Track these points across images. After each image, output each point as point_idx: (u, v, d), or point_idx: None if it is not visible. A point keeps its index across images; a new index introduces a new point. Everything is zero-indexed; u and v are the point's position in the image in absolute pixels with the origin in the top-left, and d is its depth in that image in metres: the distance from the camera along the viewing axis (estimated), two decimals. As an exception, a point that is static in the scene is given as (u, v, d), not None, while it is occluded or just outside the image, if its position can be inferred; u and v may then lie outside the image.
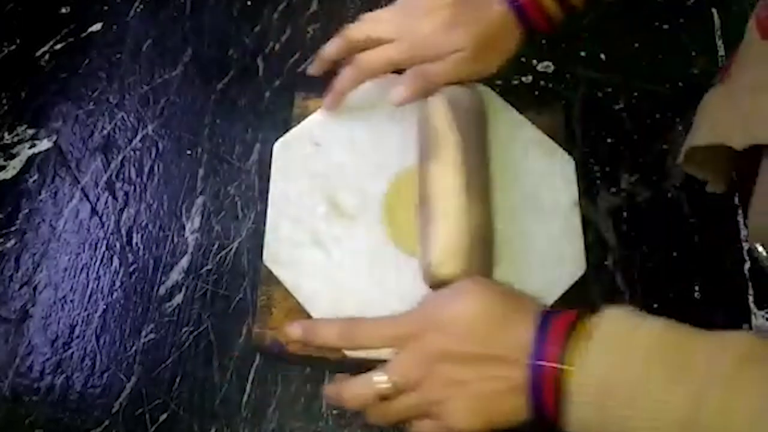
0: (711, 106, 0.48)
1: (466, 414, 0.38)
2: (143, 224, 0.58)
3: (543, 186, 0.53)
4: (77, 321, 0.55)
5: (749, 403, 0.32)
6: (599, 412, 0.35)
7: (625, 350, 0.35)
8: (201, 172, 0.60)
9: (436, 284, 0.46)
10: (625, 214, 0.57)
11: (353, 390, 0.41)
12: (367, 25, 0.51)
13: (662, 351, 0.35)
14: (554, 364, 0.36)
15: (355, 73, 0.52)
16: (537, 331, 0.38)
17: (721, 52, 0.64)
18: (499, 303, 0.40)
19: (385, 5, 0.52)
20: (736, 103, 0.44)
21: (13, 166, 0.61)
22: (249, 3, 0.68)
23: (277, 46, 0.66)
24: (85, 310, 0.55)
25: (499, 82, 0.62)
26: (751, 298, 0.55)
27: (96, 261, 0.57)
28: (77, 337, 0.55)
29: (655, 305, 0.54)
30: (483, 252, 0.47)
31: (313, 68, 0.54)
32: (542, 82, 0.63)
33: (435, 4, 0.49)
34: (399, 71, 0.51)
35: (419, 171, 0.50)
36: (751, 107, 0.42)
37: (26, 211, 0.59)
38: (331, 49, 0.53)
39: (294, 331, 0.45)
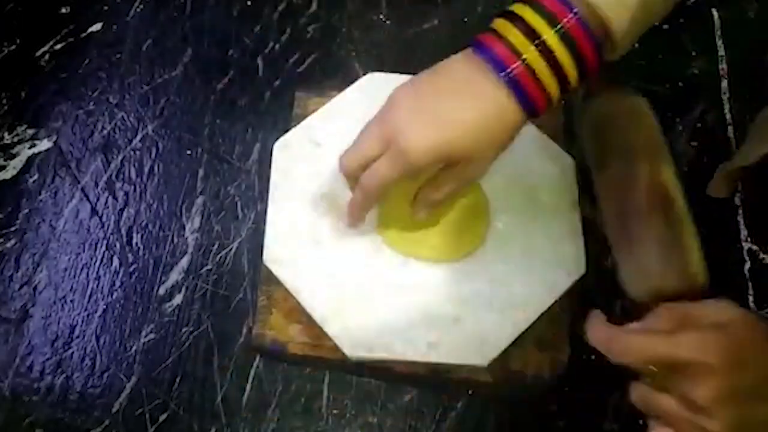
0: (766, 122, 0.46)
1: None
2: (143, 224, 0.58)
3: (543, 186, 0.53)
4: (77, 321, 0.55)
5: None
6: None
7: None
8: (201, 172, 0.60)
9: (684, 296, 0.43)
10: (625, 214, 0.57)
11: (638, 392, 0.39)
12: (355, 149, 0.45)
13: None
14: None
15: (362, 195, 0.46)
16: None
17: (721, 52, 0.64)
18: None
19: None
20: None
21: (13, 166, 0.61)
22: (249, 3, 0.68)
23: (277, 46, 0.66)
24: (85, 310, 0.55)
25: (499, 82, 0.62)
26: (751, 298, 0.55)
27: (96, 261, 0.57)
28: (77, 337, 0.55)
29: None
30: None
31: (350, 224, 0.50)
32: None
33: (416, 105, 0.42)
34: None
35: (643, 171, 0.46)
36: None
37: (26, 211, 0.59)
38: (356, 203, 0.48)
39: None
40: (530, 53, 0.38)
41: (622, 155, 0.47)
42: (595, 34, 0.38)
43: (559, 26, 0.38)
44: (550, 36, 0.38)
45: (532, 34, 0.38)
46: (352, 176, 0.45)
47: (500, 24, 0.40)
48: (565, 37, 0.38)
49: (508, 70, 0.39)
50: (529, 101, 0.40)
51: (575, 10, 0.38)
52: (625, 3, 0.38)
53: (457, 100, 0.41)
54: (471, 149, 0.41)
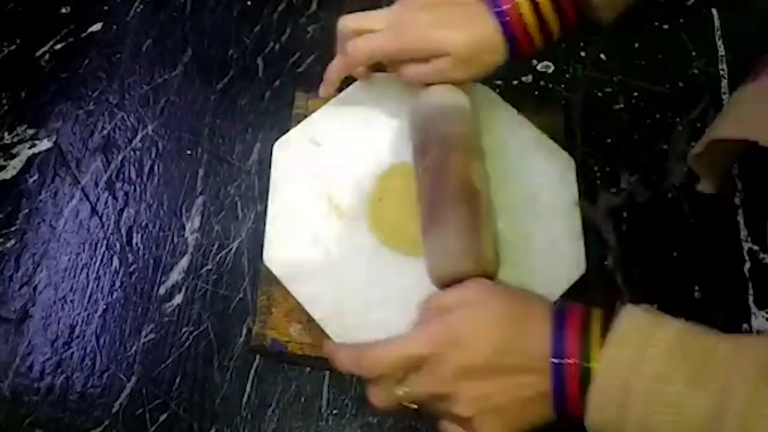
0: (742, 102, 0.47)
1: (495, 428, 0.38)
2: (143, 224, 0.58)
3: (543, 186, 0.53)
4: (77, 321, 0.55)
5: None
6: (620, 410, 0.35)
7: (645, 347, 0.35)
8: (201, 172, 0.60)
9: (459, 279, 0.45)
10: (625, 214, 0.57)
11: (378, 396, 0.41)
12: (361, 15, 0.52)
13: (683, 349, 0.35)
14: (576, 361, 0.36)
15: (343, 60, 0.52)
16: (553, 331, 0.38)
17: (721, 52, 0.64)
18: (510, 308, 0.40)
19: (384, 6, 0.52)
20: None
21: (13, 166, 0.61)
22: (249, 3, 0.68)
23: (277, 46, 0.66)
24: (85, 310, 0.55)
25: (499, 82, 0.62)
26: (751, 298, 0.55)
27: (96, 261, 0.57)
28: (77, 337, 0.55)
29: (655, 305, 0.54)
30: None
31: (322, 91, 0.55)
32: (542, 82, 0.63)
33: (432, 2, 0.50)
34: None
35: (455, 163, 0.49)
36: None
37: (26, 211, 0.59)
38: (333, 67, 0.53)
39: (325, 349, 0.45)
40: None
41: (439, 146, 0.49)
42: None
43: None
44: None
45: None
46: (346, 37, 0.51)
47: None
48: None
49: (502, 6, 0.47)
50: (513, 38, 0.48)
51: None
52: None
53: (454, 17, 0.49)
54: (457, 46, 0.48)
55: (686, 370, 0.34)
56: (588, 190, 0.58)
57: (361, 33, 0.51)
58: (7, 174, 0.61)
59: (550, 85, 0.63)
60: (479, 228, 0.46)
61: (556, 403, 0.37)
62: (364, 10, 0.52)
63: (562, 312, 0.39)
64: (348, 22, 0.51)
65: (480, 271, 0.44)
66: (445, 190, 0.47)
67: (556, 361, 0.37)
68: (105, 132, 0.62)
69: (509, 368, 0.38)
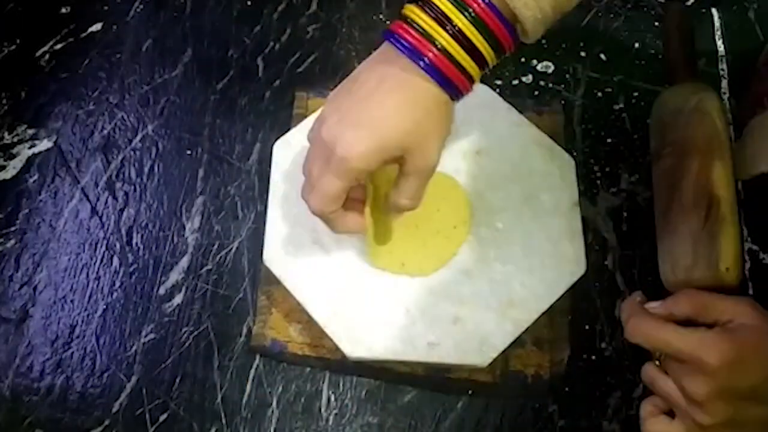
0: None
1: None
2: (143, 224, 0.58)
3: (543, 186, 0.53)
4: (77, 321, 0.55)
5: None
6: None
7: None
8: (201, 172, 0.60)
9: (708, 287, 0.45)
10: (625, 214, 0.57)
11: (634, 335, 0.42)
12: (311, 186, 0.43)
13: None
14: None
15: (327, 220, 0.45)
16: None
17: (721, 52, 0.64)
18: None
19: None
20: None
21: (13, 166, 0.61)
22: (249, 3, 0.68)
23: (277, 46, 0.66)
24: (85, 310, 0.55)
25: (499, 82, 0.62)
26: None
27: (96, 261, 0.57)
28: (77, 337, 0.55)
29: (655, 305, 0.54)
30: None
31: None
32: (542, 82, 0.63)
33: (343, 115, 0.41)
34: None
35: (689, 168, 0.47)
36: None
37: (26, 211, 0.59)
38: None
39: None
40: (444, 38, 0.38)
41: (678, 149, 0.49)
42: (507, 18, 0.39)
43: (469, 11, 0.38)
44: (460, 20, 0.38)
45: (443, 19, 0.38)
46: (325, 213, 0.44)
47: (410, 10, 0.39)
48: (476, 21, 0.38)
49: (425, 57, 0.39)
50: (451, 85, 0.40)
51: None
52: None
53: (381, 97, 0.40)
54: (407, 141, 0.41)
55: None
56: (588, 190, 0.58)
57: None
58: (7, 174, 0.61)
59: (550, 85, 0.63)
60: (715, 235, 0.46)
61: None
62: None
63: None
64: (316, 206, 0.43)
65: (714, 285, 0.45)
66: (677, 197, 0.48)
67: None
68: (105, 132, 0.62)
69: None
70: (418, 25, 0.39)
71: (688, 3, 0.67)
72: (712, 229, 0.46)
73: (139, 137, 0.62)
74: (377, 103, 0.40)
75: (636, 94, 0.62)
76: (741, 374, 0.39)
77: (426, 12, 0.38)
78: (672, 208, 0.48)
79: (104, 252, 0.57)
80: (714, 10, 0.66)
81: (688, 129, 0.50)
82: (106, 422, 0.52)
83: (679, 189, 0.47)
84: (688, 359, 0.40)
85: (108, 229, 0.58)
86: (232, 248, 0.57)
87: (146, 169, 0.61)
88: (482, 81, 0.54)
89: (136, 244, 0.58)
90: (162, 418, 0.52)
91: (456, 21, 0.38)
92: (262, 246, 0.51)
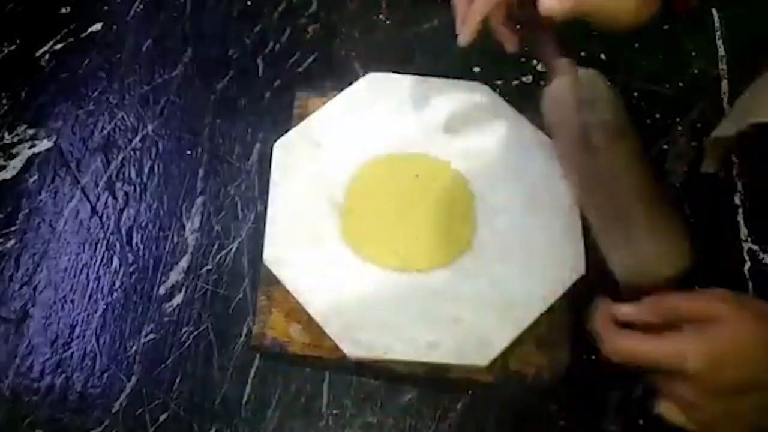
0: None
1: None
2: (143, 224, 0.58)
3: (543, 186, 0.53)
4: (77, 321, 0.55)
5: None
6: None
7: None
8: (201, 172, 0.60)
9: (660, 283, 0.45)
10: (625, 214, 0.57)
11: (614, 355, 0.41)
12: None
13: None
14: None
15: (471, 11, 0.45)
16: None
17: (721, 52, 0.64)
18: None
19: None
20: None
21: (13, 166, 0.61)
22: (249, 3, 0.68)
23: (277, 46, 0.66)
24: (85, 310, 0.55)
25: (499, 82, 0.62)
26: (751, 298, 0.55)
27: (96, 261, 0.57)
28: (77, 337, 0.55)
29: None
30: None
31: (462, 38, 0.47)
32: (542, 82, 0.63)
33: None
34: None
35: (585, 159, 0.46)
36: None
37: (26, 211, 0.59)
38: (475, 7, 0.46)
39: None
40: None
41: (587, 138, 0.47)
42: None
43: None
44: None
45: None
46: None
47: None
48: None
49: None
50: None
51: None
52: None
53: None
54: None
55: None
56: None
57: None
58: (7, 174, 0.61)
59: (550, 85, 0.63)
60: (666, 221, 0.45)
61: None
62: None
63: None
64: None
65: (679, 272, 0.45)
66: (620, 186, 0.46)
67: None
68: (105, 132, 0.62)
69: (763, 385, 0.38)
70: None
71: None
72: (660, 213, 0.45)
73: (139, 137, 0.62)
74: None
75: (636, 94, 0.62)
76: (725, 371, 0.38)
77: None
78: (616, 201, 0.47)
79: (104, 252, 0.57)
80: (714, 10, 0.66)
81: (593, 115, 0.48)
82: (106, 422, 0.51)
83: (613, 181, 0.46)
84: (669, 369, 0.39)
85: (108, 229, 0.58)
86: (232, 248, 0.57)
87: (146, 169, 0.61)
88: (482, 81, 0.54)
89: (136, 244, 0.58)
90: (162, 418, 0.52)
91: None
92: (262, 246, 0.51)
